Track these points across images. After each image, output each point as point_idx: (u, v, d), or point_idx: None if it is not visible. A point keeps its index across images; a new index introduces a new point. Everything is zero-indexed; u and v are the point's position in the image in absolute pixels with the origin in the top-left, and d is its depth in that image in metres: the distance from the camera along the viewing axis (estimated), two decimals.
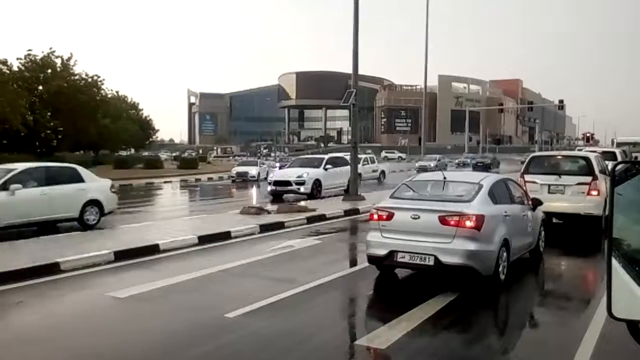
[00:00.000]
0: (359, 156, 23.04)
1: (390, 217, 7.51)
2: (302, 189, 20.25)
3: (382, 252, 7.48)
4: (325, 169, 21.21)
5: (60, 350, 5.29)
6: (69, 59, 38.77)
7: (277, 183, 21.08)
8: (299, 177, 20.59)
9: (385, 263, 7.69)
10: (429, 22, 44.32)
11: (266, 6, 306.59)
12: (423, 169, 39.50)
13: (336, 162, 22.28)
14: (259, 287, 7.56)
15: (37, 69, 37.93)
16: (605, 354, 5.02)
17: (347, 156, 21.49)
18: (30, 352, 5.23)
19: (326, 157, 23.16)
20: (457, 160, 53.63)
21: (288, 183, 20.72)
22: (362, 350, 5.25)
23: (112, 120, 47.16)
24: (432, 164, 44.05)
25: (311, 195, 20.03)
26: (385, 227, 7.54)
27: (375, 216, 7.70)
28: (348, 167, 19.61)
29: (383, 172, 32.99)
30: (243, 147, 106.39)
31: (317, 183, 20.75)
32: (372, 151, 42.88)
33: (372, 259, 7.83)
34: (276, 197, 20.59)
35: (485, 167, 46.46)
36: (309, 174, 20.82)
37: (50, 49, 38.32)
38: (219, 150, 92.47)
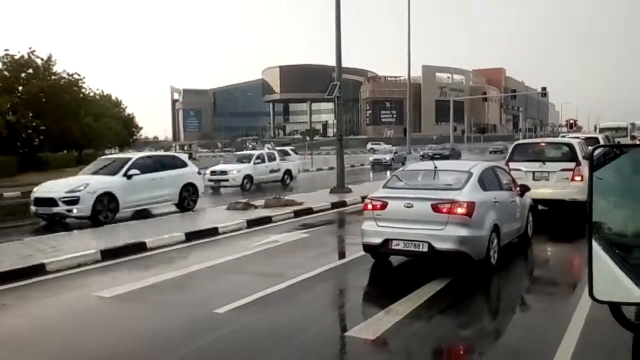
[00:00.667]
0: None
1: (384, 206, 7.70)
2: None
3: (377, 240, 7.69)
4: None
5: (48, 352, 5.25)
6: (49, 58, 38.29)
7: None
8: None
9: (380, 251, 7.89)
10: (411, 13, 44.43)
11: (248, 0, 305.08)
12: (377, 163, 38.58)
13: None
14: (247, 282, 7.56)
15: (17, 69, 37.39)
16: (592, 336, 5.09)
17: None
18: (16, 355, 5.18)
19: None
20: (421, 152, 49.58)
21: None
22: (354, 339, 5.26)
23: (95, 119, 46.66)
24: (388, 157, 39.68)
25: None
26: (379, 216, 7.72)
27: (370, 206, 7.89)
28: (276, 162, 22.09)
29: (289, 172, 25.33)
30: (228, 143, 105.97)
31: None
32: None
33: (367, 248, 8.01)
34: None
35: (444, 159, 43.28)
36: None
37: (30, 48, 37.79)
38: (185, 146, 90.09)
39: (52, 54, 38.46)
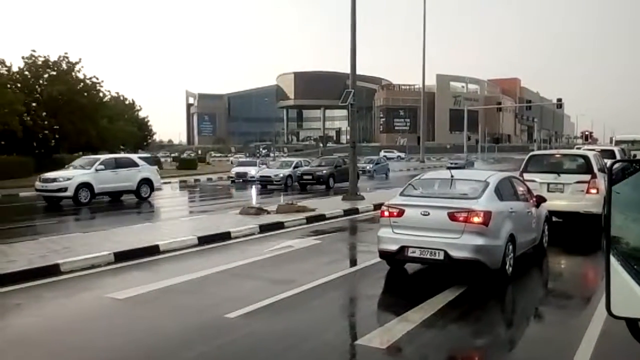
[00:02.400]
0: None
1: (401, 213, 7.74)
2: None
3: (394, 247, 7.73)
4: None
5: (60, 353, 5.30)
6: (76, 63, 38.74)
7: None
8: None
9: (396, 258, 7.92)
10: (426, 22, 44.44)
11: (263, 6, 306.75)
12: (361, 172, 35.28)
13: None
14: (259, 287, 7.56)
15: (39, 70, 37.87)
16: (606, 351, 5.03)
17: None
18: (30, 355, 5.23)
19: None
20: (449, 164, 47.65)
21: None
22: (364, 348, 5.22)
23: (110, 121, 47.08)
24: (369, 167, 38.44)
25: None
26: (396, 223, 7.76)
27: (387, 213, 7.93)
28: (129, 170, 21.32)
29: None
30: (242, 148, 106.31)
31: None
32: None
33: (383, 254, 8.04)
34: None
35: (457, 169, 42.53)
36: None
37: (65, 53, 38.40)
38: (199, 150, 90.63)
39: (81, 59, 38.87)
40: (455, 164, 46.01)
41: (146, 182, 21.55)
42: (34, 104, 36.16)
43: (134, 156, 23.03)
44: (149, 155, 24.29)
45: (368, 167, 38.29)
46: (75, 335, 5.77)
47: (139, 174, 21.32)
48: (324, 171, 27.27)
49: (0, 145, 33.52)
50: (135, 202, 20.97)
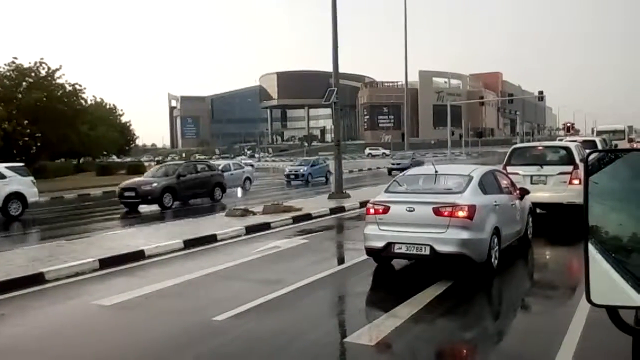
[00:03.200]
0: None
1: (386, 210, 7.78)
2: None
3: (380, 244, 7.74)
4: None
5: None
6: (56, 69, 38.26)
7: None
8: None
9: (382, 254, 7.95)
10: (407, 19, 44.54)
11: (244, 6, 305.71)
12: (294, 177, 31.61)
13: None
14: (246, 289, 7.54)
15: (18, 77, 37.39)
16: (592, 338, 5.09)
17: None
18: None
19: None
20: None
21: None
22: (353, 345, 5.25)
23: (92, 127, 46.61)
24: (302, 169, 31.92)
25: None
26: (382, 220, 7.79)
27: (372, 210, 7.95)
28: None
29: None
30: (226, 149, 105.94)
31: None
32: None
33: (370, 251, 8.06)
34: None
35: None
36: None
37: (41, 58, 37.88)
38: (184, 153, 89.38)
39: (61, 66, 38.37)
40: (398, 164, 37.47)
41: (16, 196, 17.91)
42: (14, 112, 35.69)
43: (0, 166, 18.57)
44: (21, 164, 20.17)
45: (301, 170, 31.59)
46: (63, 343, 5.70)
47: (5, 187, 17.67)
48: (154, 185, 19.45)
49: None
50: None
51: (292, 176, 31.78)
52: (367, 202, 8.53)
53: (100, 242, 11.22)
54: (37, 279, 8.10)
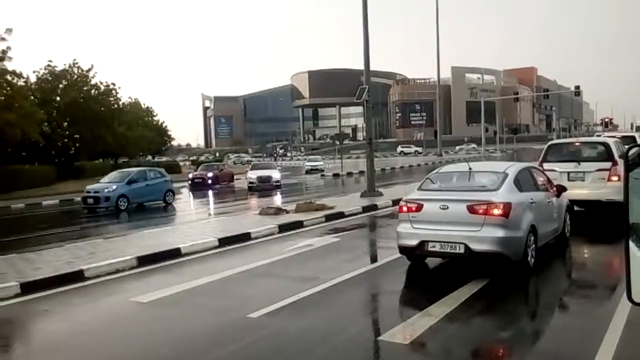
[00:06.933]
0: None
1: (419, 208, 7.72)
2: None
3: (413, 242, 7.69)
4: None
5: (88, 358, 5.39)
6: (89, 70, 39.21)
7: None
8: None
9: (416, 253, 7.89)
10: (439, 14, 44.07)
11: (275, 7, 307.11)
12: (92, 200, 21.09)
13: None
14: (280, 286, 7.60)
15: (54, 80, 38.46)
16: (632, 340, 4.96)
17: None
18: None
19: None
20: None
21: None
22: (387, 344, 5.23)
23: (129, 127, 47.56)
24: (109, 189, 20.92)
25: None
26: (415, 218, 7.74)
27: (405, 208, 7.90)
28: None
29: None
30: (259, 148, 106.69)
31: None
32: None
33: (403, 250, 8.02)
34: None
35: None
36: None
37: (74, 60, 38.91)
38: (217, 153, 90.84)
39: (94, 65, 39.45)
40: (314, 166, 41.33)
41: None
42: (53, 114, 36.74)
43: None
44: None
45: (106, 192, 20.01)
46: (102, 340, 5.85)
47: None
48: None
49: (22, 155, 34.10)
50: None
51: (90, 200, 19.92)
52: (400, 200, 8.48)
53: (137, 241, 11.46)
54: (78, 276, 8.34)
